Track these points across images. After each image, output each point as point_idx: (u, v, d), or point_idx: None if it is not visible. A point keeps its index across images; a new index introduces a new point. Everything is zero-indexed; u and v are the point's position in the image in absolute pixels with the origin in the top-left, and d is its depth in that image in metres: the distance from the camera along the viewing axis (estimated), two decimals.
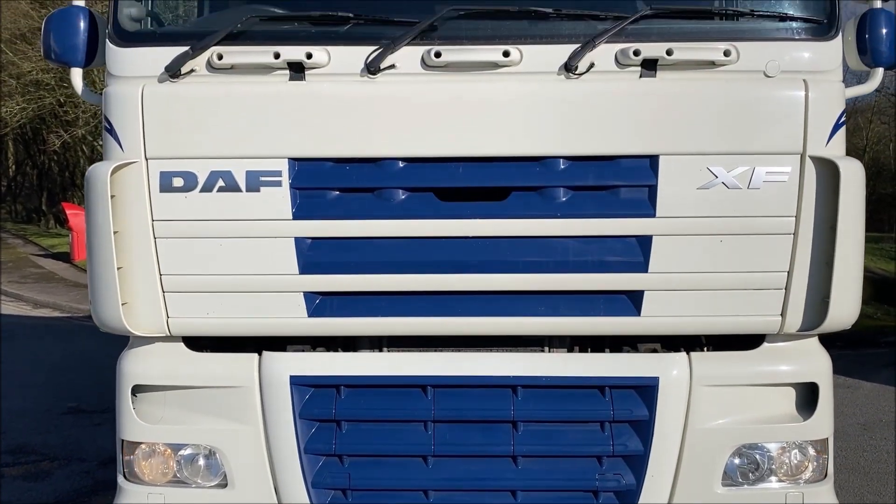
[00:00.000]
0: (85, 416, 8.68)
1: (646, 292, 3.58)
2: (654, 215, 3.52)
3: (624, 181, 3.54)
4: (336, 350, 3.91)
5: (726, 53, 3.48)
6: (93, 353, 10.34)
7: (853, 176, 3.44)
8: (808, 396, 3.79)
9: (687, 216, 3.52)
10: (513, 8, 3.54)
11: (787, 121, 3.51)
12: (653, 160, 3.50)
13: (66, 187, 36.69)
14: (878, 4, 3.74)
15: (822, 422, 3.75)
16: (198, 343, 3.87)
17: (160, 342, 3.79)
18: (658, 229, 3.53)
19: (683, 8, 3.65)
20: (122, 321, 3.57)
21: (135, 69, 3.59)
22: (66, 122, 26.68)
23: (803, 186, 3.51)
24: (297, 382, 3.69)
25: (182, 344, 3.82)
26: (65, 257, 24.39)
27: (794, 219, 3.53)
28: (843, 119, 3.55)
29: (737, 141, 3.50)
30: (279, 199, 3.54)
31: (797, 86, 3.50)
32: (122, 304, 3.57)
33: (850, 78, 4.06)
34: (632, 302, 3.60)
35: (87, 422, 8.46)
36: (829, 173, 3.48)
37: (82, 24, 3.77)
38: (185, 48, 3.53)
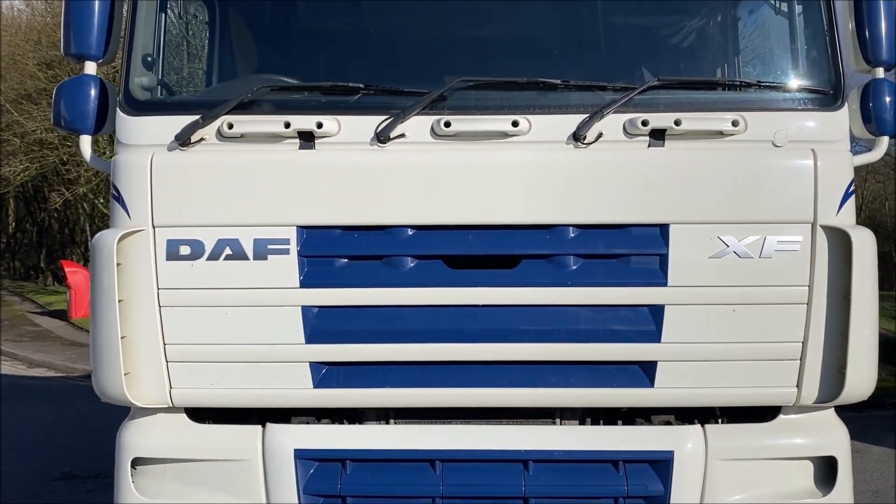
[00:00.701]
0: (78, 482, 8.46)
1: (659, 363, 3.52)
2: (665, 284, 3.48)
3: (635, 250, 3.52)
4: (342, 421, 3.82)
5: (734, 123, 3.50)
6: (88, 414, 10.15)
7: (865, 245, 3.43)
8: (826, 470, 3.70)
9: (699, 285, 3.49)
10: (521, 79, 3.58)
11: (797, 190, 3.51)
12: (663, 229, 3.48)
13: (65, 244, 36.71)
14: (881, 74, 3.78)
15: (843, 496, 3.65)
16: (200, 413, 3.78)
17: (162, 413, 3.70)
18: (670, 298, 3.49)
19: (691, 80, 3.70)
20: (124, 392, 3.49)
21: (145, 137, 3.60)
22: (68, 181, 26.82)
23: (815, 256, 3.48)
24: (302, 456, 3.59)
25: (184, 414, 3.73)
26: (62, 315, 24.23)
27: (807, 288, 3.49)
28: (852, 188, 3.55)
29: (747, 210, 3.49)
30: (287, 267, 3.50)
31: (806, 155, 3.51)
32: (125, 375, 3.50)
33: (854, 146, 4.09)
34: (645, 373, 3.54)
35: (81, 488, 8.24)
36: (840, 242, 3.47)
37: (93, 92, 3.79)
38: (196, 117, 3.54)
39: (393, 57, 3.98)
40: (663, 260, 3.48)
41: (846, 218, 3.52)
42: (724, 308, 3.50)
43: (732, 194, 3.49)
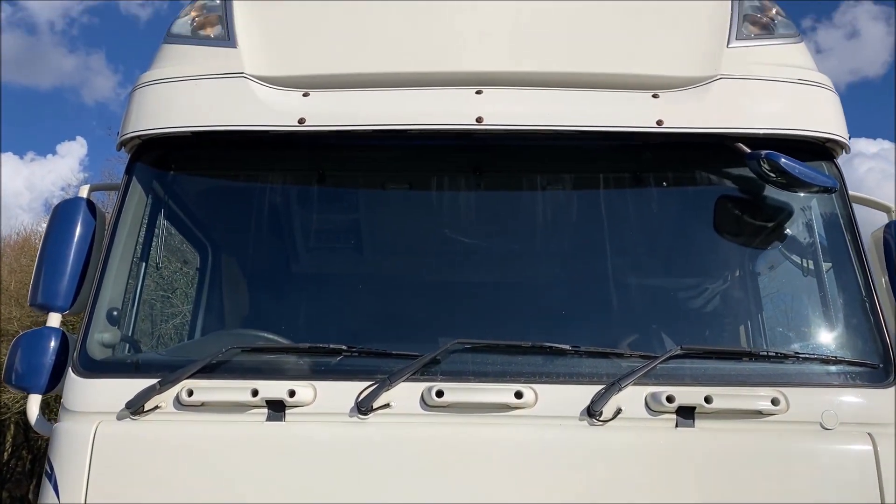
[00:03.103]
0: None
1: None
2: None
3: None
4: None
5: (774, 402, 3.00)
6: None
7: None
8: None
9: None
10: (526, 343, 3.16)
11: (856, 480, 2.92)
12: None
13: None
14: None
15: None
16: None
17: None
18: None
19: (720, 350, 3.27)
20: None
21: (94, 403, 3.14)
22: None
23: None
24: None
25: None
26: None
27: None
28: None
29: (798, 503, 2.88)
30: None
31: (863, 440, 2.96)
32: None
33: None
34: None
35: None
36: None
37: (52, 346, 3.43)
38: (154, 381, 3.10)
39: (379, 313, 3.64)
40: None
41: None
42: None
43: (780, 486, 2.91)
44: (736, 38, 3.70)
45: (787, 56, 3.74)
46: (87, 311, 3.39)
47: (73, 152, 65.04)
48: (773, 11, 3.94)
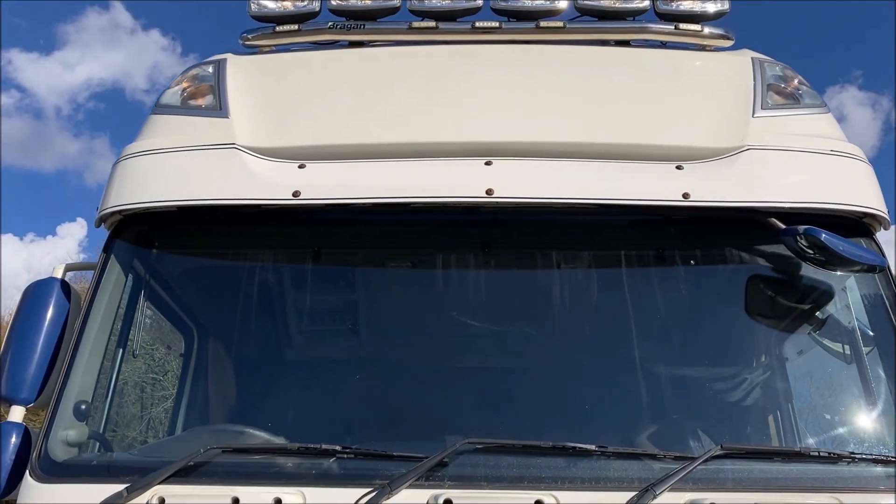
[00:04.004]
0: None
1: None
2: None
3: None
4: None
5: None
6: None
7: None
8: None
9: None
10: (545, 443, 2.78)
11: None
12: None
13: None
14: None
15: None
16: None
17: None
18: None
19: (765, 449, 2.95)
20: None
21: None
22: None
23: None
24: None
25: None
26: None
27: None
28: None
29: None
30: None
31: None
32: None
33: None
34: None
35: None
36: None
37: (12, 443, 3.07)
38: (123, 486, 2.71)
39: (378, 407, 3.29)
40: None
41: None
42: None
43: None
44: (761, 108, 3.48)
45: (816, 126, 3.51)
46: (51, 404, 3.03)
47: (73, 234, 65.32)
48: (796, 81, 3.73)
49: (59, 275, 3.50)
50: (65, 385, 3.05)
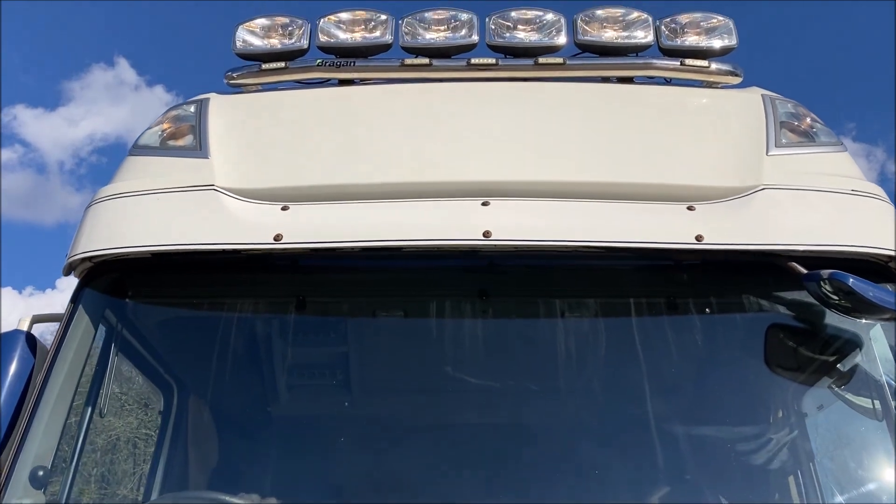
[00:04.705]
0: None
1: None
2: None
3: None
4: None
5: None
6: None
7: None
8: None
9: None
10: None
11: None
12: None
13: None
14: None
15: None
16: None
17: None
18: None
19: None
20: None
21: None
22: None
23: None
24: None
25: None
26: None
27: None
28: None
29: None
30: None
31: None
32: None
33: None
34: None
35: None
36: None
37: None
38: None
39: (368, 469, 3.03)
40: None
41: None
42: None
43: None
44: (775, 146, 3.28)
45: (834, 164, 3.32)
46: (4, 469, 2.75)
47: (71, 287, 65.05)
48: (809, 119, 3.55)
49: (24, 327, 3.26)
50: (20, 448, 2.77)
